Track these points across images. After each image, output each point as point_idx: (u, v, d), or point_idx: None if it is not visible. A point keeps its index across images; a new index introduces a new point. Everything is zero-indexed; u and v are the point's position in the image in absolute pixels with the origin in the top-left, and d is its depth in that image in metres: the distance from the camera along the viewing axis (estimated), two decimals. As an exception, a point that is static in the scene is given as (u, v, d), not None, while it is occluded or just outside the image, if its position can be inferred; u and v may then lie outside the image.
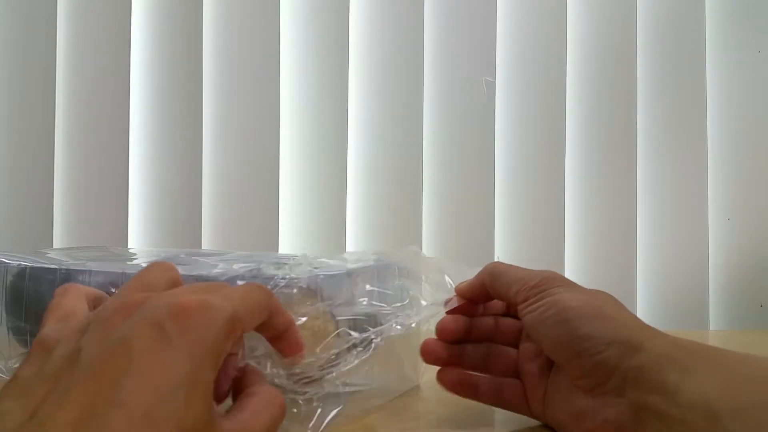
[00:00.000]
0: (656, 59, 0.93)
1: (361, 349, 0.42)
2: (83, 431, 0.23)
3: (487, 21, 0.90)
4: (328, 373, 0.40)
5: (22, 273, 0.47)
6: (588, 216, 0.92)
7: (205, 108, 0.88)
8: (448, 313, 0.43)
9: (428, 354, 0.43)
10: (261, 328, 0.33)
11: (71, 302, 0.32)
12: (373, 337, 0.42)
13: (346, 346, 0.41)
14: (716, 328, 0.94)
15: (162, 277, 0.32)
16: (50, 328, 0.29)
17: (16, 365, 0.47)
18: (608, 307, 0.38)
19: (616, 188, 0.92)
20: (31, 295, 0.46)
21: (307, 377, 0.38)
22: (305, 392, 0.38)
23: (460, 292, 0.44)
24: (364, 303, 0.42)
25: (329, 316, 0.40)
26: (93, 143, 0.87)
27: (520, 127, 0.91)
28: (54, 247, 0.85)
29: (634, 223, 0.92)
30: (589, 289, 0.40)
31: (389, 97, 0.90)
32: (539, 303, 0.39)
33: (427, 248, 0.90)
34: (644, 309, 0.93)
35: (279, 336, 0.34)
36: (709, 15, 0.93)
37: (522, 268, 0.42)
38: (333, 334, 0.40)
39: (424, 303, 0.44)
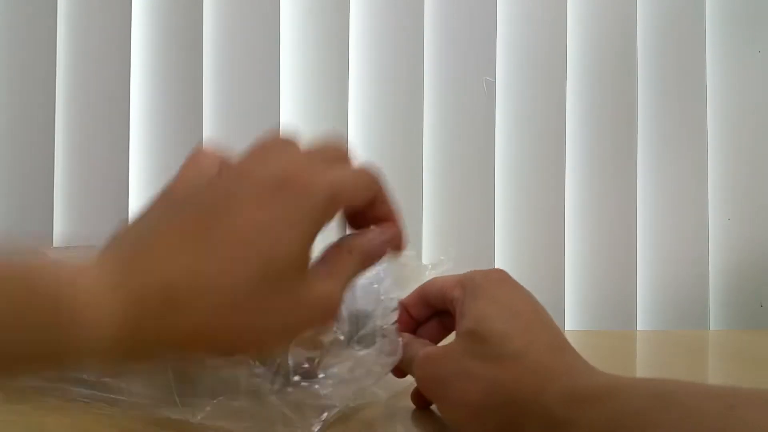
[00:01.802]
0: (656, 59, 0.93)
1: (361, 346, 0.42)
2: (188, 242, 0.28)
3: (487, 20, 0.90)
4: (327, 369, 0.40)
5: None
6: (588, 216, 0.92)
7: (205, 107, 0.87)
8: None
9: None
10: (364, 211, 0.34)
11: (201, 159, 0.36)
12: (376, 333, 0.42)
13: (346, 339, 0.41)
14: (716, 328, 0.94)
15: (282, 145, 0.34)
16: (179, 179, 0.34)
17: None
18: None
19: (616, 188, 0.92)
20: None
21: (309, 371, 0.39)
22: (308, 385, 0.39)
23: (402, 303, 0.44)
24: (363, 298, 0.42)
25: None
26: (93, 143, 0.87)
27: (521, 127, 0.91)
28: (54, 246, 0.85)
29: (634, 223, 0.92)
30: (503, 300, 0.37)
31: (389, 97, 0.90)
32: (458, 322, 0.38)
33: (427, 248, 0.90)
34: (645, 309, 0.93)
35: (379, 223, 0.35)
36: (709, 15, 0.93)
37: (448, 276, 0.42)
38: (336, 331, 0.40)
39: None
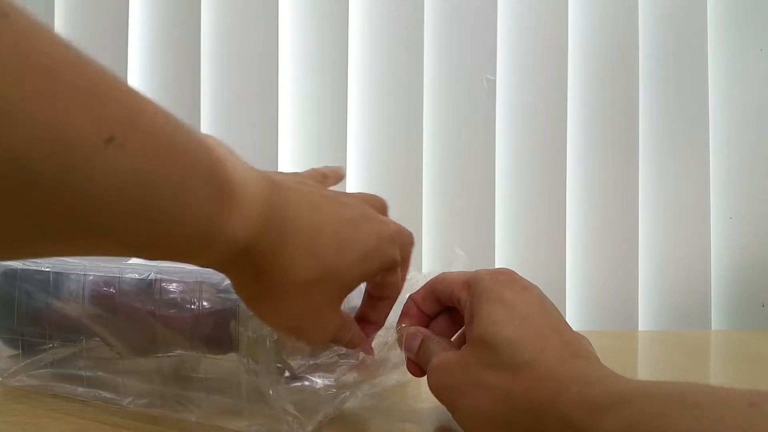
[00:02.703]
0: (658, 58, 0.93)
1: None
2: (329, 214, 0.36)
3: (487, 19, 0.90)
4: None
5: (12, 275, 0.46)
6: (589, 215, 0.92)
7: (203, 107, 0.87)
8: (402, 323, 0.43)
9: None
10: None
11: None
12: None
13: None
14: (718, 327, 0.93)
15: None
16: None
17: (9, 375, 0.47)
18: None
19: (617, 188, 0.92)
20: (23, 297, 0.45)
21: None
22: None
23: (412, 298, 0.44)
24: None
25: None
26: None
27: (521, 126, 0.91)
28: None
29: (636, 223, 0.91)
30: (511, 303, 0.37)
31: (389, 97, 0.90)
32: (467, 326, 0.38)
33: (427, 248, 0.90)
34: (646, 309, 0.93)
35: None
36: (710, 14, 0.93)
37: (457, 274, 0.42)
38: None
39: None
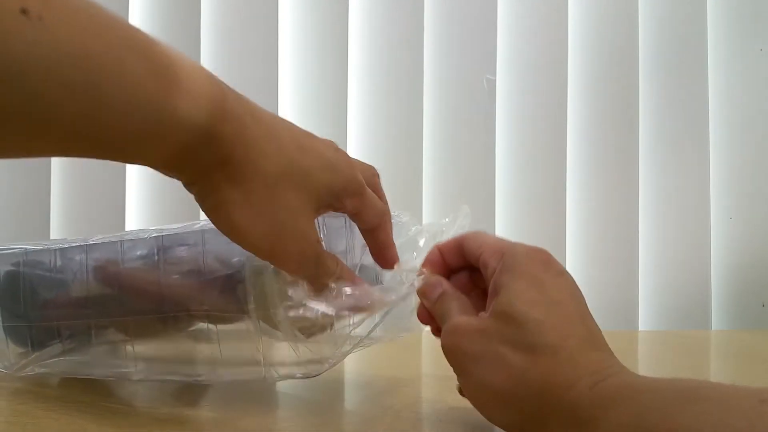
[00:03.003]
0: (658, 58, 0.93)
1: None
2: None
3: (487, 19, 0.90)
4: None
5: (17, 263, 0.46)
6: (590, 215, 0.92)
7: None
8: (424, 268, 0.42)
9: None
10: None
11: None
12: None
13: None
14: (718, 327, 0.93)
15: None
16: None
17: (18, 368, 0.46)
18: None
19: (617, 188, 0.92)
20: (27, 283, 0.45)
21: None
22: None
23: (438, 247, 0.43)
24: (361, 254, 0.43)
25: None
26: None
27: (522, 125, 0.91)
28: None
29: (636, 222, 0.91)
30: (544, 285, 0.36)
31: (389, 97, 0.90)
32: (492, 296, 0.37)
33: (427, 247, 0.89)
34: (646, 309, 0.93)
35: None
36: (710, 14, 0.93)
37: (490, 237, 0.41)
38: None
39: (421, 244, 0.45)
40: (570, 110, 0.91)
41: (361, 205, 0.40)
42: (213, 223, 0.35)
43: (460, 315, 0.37)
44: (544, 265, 0.37)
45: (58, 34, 0.24)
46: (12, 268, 0.46)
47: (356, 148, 0.90)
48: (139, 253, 0.43)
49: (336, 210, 0.39)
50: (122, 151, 0.30)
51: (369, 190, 0.40)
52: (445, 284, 0.40)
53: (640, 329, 0.91)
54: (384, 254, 0.42)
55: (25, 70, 0.23)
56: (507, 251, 0.37)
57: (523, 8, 0.91)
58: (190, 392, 0.46)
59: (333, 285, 0.39)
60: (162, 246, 0.42)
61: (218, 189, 0.33)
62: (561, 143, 0.90)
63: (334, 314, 0.39)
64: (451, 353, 0.37)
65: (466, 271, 0.42)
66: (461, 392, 0.38)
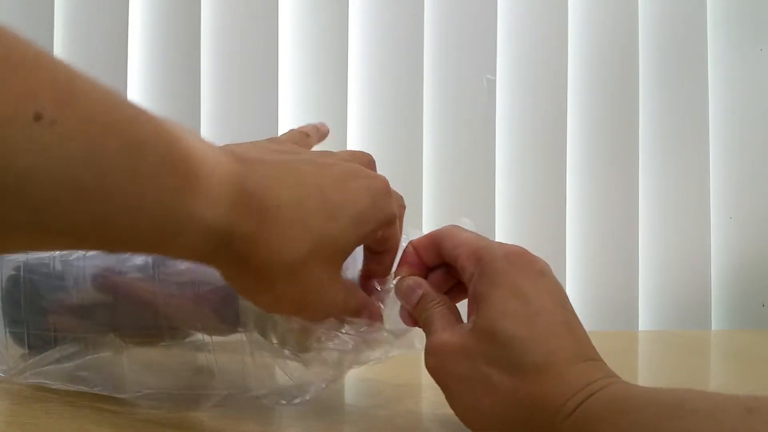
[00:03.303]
0: (658, 58, 0.93)
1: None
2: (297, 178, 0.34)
3: (487, 19, 0.90)
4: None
5: (17, 267, 0.46)
6: (589, 215, 0.92)
7: (203, 107, 0.87)
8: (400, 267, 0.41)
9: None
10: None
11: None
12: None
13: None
14: (718, 327, 0.93)
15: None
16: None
17: (16, 373, 0.46)
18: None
19: (617, 187, 0.92)
20: (28, 288, 0.45)
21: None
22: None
23: (413, 245, 0.42)
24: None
25: None
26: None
27: (522, 126, 0.91)
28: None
29: (636, 222, 0.91)
30: (525, 293, 0.35)
31: (389, 97, 0.90)
32: (472, 305, 0.36)
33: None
34: (646, 309, 0.93)
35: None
36: (710, 14, 0.93)
37: (468, 235, 0.39)
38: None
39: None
40: (570, 110, 0.91)
41: (389, 236, 0.39)
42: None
43: (442, 329, 0.36)
44: (524, 269, 0.35)
45: (70, 138, 0.23)
46: (14, 273, 0.46)
47: (356, 148, 0.90)
48: (136, 262, 0.42)
49: (379, 226, 0.38)
50: (127, 247, 0.29)
51: (397, 221, 0.39)
52: (424, 286, 0.39)
53: (640, 329, 0.91)
54: (379, 274, 0.42)
55: (31, 180, 0.22)
56: (484, 255, 0.36)
57: (523, 8, 0.91)
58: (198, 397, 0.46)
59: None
60: (157, 257, 0.42)
61: (239, 276, 0.33)
62: (561, 143, 0.90)
63: (349, 347, 0.39)
64: (435, 374, 0.36)
65: (444, 269, 0.40)
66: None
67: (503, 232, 0.90)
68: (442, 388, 0.36)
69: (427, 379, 0.37)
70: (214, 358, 0.41)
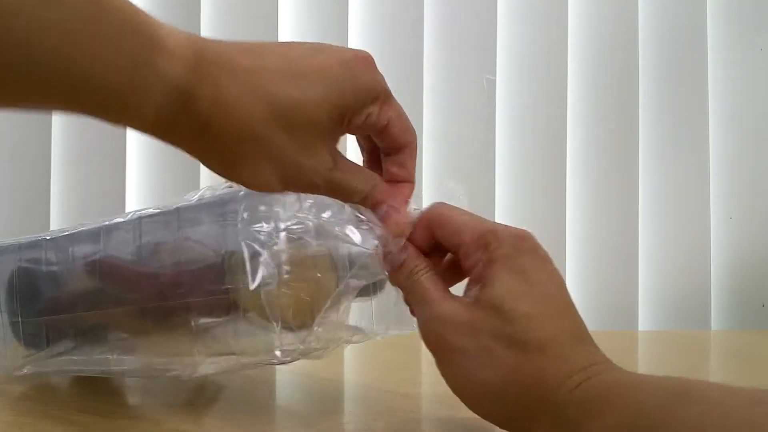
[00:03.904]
0: (658, 58, 0.92)
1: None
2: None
3: (488, 19, 0.90)
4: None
5: (14, 257, 0.46)
6: (589, 215, 0.92)
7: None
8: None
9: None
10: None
11: None
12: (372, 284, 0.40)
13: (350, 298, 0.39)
14: (718, 328, 0.93)
15: None
16: None
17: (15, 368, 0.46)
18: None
19: (617, 187, 0.92)
20: (23, 282, 0.45)
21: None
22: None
23: (400, 233, 0.39)
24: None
25: (332, 266, 0.38)
26: (90, 133, 0.87)
27: (521, 126, 0.91)
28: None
29: (636, 222, 0.91)
30: (532, 276, 0.34)
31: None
32: (475, 288, 0.35)
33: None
34: (646, 309, 0.92)
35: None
36: (710, 14, 0.93)
37: (466, 218, 0.38)
38: (335, 290, 0.38)
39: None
40: (570, 110, 0.91)
41: (390, 112, 0.37)
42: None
43: (442, 300, 0.35)
44: (531, 253, 0.35)
45: (39, 6, 0.25)
46: (12, 268, 0.46)
47: (356, 147, 0.90)
48: (127, 248, 0.41)
49: (362, 126, 0.35)
50: (104, 105, 0.29)
51: (392, 100, 0.37)
52: (410, 248, 0.38)
53: (640, 329, 0.91)
54: (401, 188, 0.39)
55: (7, 27, 0.24)
56: (491, 242, 0.35)
57: (523, 8, 0.91)
58: (190, 393, 0.46)
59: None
60: (140, 233, 0.41)
61: (204, 147, 0.32)
62: (561, 143, 0.90)
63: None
64: (434, 344, 0.35)
65: (438, 254, 0.39)
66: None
67: (503, 232, 0.90)
68: (439, 360, 0.35)
69: (430, 386, 0.37)
70: (195, 326, 0.40)
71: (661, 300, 0.93)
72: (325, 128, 0.33)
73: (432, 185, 0.90)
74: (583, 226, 0.91)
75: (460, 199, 0.41)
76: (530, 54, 0.91)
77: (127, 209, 0.86)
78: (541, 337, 0.33)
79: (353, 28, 0.89)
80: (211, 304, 0.39)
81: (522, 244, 0.35)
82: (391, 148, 0.39)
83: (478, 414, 0.35)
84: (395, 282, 0.38)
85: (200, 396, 0.46)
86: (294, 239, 0.38)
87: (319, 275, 0.38)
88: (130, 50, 0.29)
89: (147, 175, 0.88)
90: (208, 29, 0.87)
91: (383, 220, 0.38)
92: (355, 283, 0.38)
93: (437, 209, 0.39)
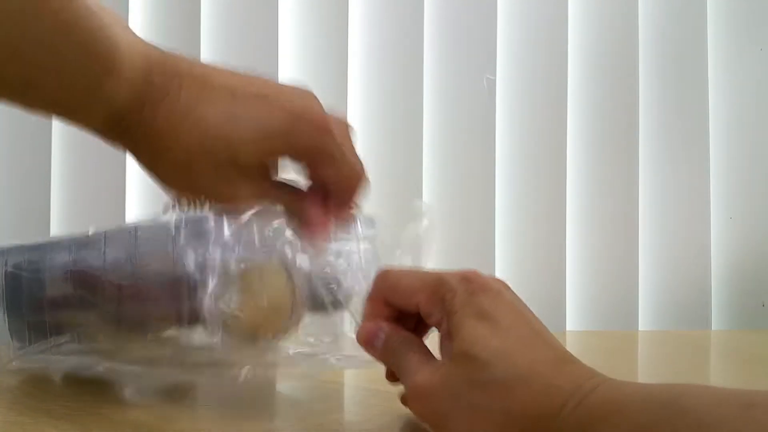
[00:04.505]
0: (658, 58, 0.92)
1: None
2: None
3: (487, 19, 0.90)
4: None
5: (19, 265, 0.46)
6: (589, 215, 0.92)
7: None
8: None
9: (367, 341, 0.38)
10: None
11: None
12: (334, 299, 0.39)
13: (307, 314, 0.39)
14: (718, 327, 0.93)
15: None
16: None
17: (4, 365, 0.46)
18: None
19: (617, 188, 0.92)
20: (10, 281, 0.45)
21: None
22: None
23: (369, 315, 0.38)
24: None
25: (290, 284, 0.38)
26: (90, 143, 0.87)
27: (522, 126, 0.91)
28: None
29: (636, 222, 0.91)
30: (490, 315, 0.34)
31: (389, 97, 0.90)
32: (447, 344, 0.34)
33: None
34: (646, 309, 0.92)
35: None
36: (710, 13, 0.93)
37: (413, 279, 0.37)
38: (293, 306, 0.38)
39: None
40: (570, 110, 0.91)
41: (328, 171, 0.38)
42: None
43: (417, 370, 0.34)
44: (483, 291, 0.35)
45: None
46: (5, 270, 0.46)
47: (356, 147, 0.90)
48: (108, 258, 0.42)
49: (296, 154, 0.37)
50: (55, 112, 0.32)
51: (337, 161, 0.38)
52: (385, 327, 0.37)
53: (640, 329, 0.91)
54: (325, 224, 0.39)
55: None
56: (445, 294, 0.35)
57: (523, 8, 0.91)
58: (190, 394, 0.46)
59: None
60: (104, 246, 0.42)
61: (142, 155, 0.36)
62: (561, 143, 0.90)
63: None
64: (423, 417, 0.35)
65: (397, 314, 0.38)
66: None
67: (503, 232, 0.90)
68: (434, 429, 0.34)
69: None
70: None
71: (661, 300, 0.93)
72: (251, 171, 0.36)
73: (432, 185, 0.90)
74: (583, 226, 0.91)
75: (427, 216, 0.41)
76: (530, 54, 0.91)
77: (128, 212, 0.86)
78: (519, 370, 0.32)
79: (353, 28, 0.89)
80: (172, 317, 0.40)
81: (471, 286, 0.35)
82: (333, 183, 0.40)
83: None
84: (381, 359, 0.37)
85: (202, 395, 0.46)
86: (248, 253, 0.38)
87: (274, 287, 0.38)
88: (82, 74, 0.31)
89: (147, 177, 0.88)
90: (208, 29, 0.87)
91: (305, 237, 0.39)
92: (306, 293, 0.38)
93: (383, 277, 0.38)
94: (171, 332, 0.42)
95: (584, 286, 0.91)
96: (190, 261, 0.38)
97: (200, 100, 0.34)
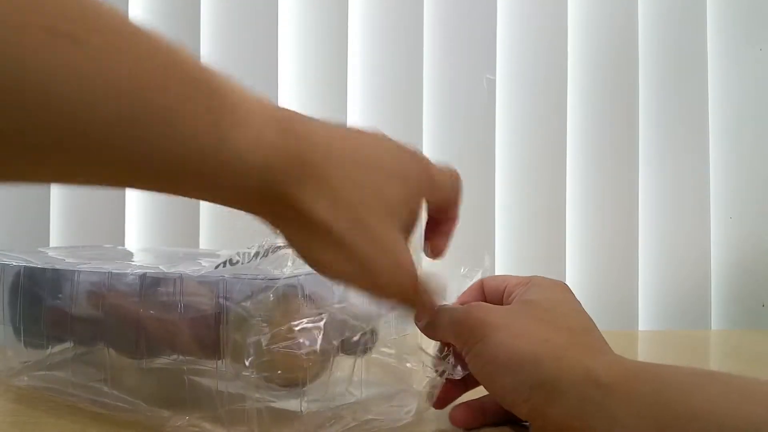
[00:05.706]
0: (658, 57, 0.92)
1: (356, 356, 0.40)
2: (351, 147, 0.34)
3: (487, 19, 0.90)
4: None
5: (17, 273, 0.46)
6: (589, 215, 0.92)
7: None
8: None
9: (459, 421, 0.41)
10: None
11: None
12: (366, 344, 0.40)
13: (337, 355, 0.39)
14: (718, 327, 0.93)
15: None
16: None
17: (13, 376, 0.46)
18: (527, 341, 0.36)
19: (617, 187, 0.92)
20: (27, 295, 0.45)
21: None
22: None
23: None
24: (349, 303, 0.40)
25: (319, 323, 0.37)
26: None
27: (521, 125, 0.91)
28: (51, 245, 0.85)
29: (636, 222, 0.91)
30: (562, 298, 0.40)
31: (389, 96, 0.90)
32: (468, 358, 0.38)
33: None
34: (646, 309, 0.92)
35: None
36: (710, 13, 0.93)
37: (519, 278, 0.43)
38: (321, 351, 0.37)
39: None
40: (570, 110, 0.91)
41: (446, 218, 0.43)
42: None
43: (480, 303, 0.41)
44: (564, 292, 0.41)
45: (97, 60, 0.21)
46: (14, 279, 0.46)
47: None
48: (127, 280, 0.41)
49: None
50: (165, 180, 0.26)
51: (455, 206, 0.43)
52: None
53: (639, 329, 0.91)
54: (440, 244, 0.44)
55: (55, 97, 0.21)
56: (532, 279, 0.41)
57: (523, 8, 0.91)
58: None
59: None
60: (144, 283, 0.41)
61: (289, 230, 0.31)
62: (561, 143, 0.90)
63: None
64: (471, 325, 0.37)
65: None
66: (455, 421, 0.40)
67: (503, 232, 0.90)
68: (471, 340, 0.37)
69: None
70: (186, 381, 0.40)
71: (661, 300, 0.93)
72: (403, 221, 0.35)
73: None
74: (583, 226, 0.92)
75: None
76: (530, 54, 0.91)
77: (127, 220, 0.86)
78: (572, 324, 0.37)
79: (353, 28, 0.89)
80: (199, 351, 0.39)
81: (557, 285, 0.41)
82: (439, 220, 0.45)
83: (498, 390, 0.36)
84: (431, 333, 0.41)
85: (202, 395, 0.46)
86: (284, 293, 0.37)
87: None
88: (204, 137, 0.25)
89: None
90: (207, 29, 0.87)
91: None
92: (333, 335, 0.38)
93: (490, 276, 0.46)
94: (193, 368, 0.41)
95: (584, 286, 0.91)
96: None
97: (360, 161, 0.33)
